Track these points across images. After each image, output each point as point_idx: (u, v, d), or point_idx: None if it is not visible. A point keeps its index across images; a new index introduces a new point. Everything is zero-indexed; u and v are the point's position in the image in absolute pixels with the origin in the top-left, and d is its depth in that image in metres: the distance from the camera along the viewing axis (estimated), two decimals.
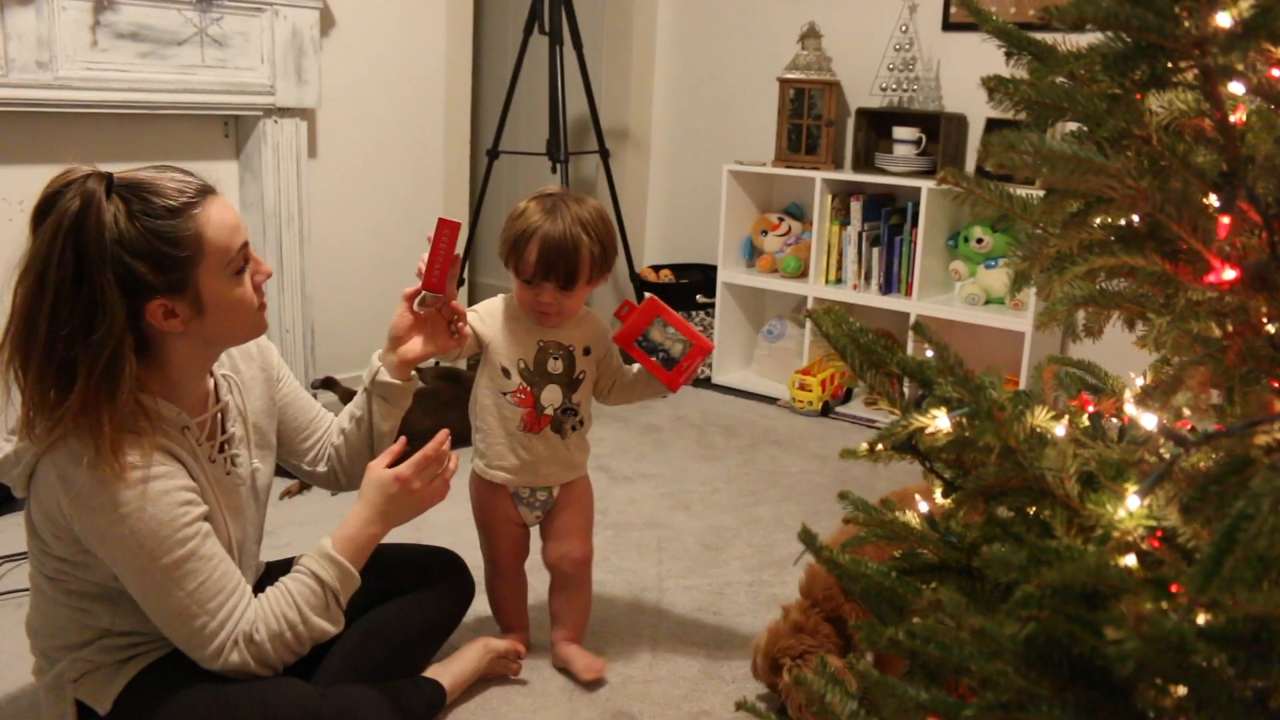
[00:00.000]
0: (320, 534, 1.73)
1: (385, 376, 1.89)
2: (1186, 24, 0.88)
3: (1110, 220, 1.07)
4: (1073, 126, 1.06)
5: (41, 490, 1.51)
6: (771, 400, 4.07)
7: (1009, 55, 1.14)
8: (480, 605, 2.31)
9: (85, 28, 2.84)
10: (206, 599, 1.54)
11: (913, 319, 3.75)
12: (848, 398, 4.06)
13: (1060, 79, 1.02)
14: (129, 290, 1.45)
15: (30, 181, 2.93)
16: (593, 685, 2.09)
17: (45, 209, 1.46)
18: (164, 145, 3.20)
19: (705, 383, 4.28)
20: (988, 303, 3.74)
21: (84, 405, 1.44)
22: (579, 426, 2.09)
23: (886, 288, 3.88)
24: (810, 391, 3.89)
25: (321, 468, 1.95)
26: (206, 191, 1.53)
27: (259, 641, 1.57)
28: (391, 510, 1.75)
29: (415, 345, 1.91)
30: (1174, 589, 0.81)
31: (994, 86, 1.03)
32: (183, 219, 1.48)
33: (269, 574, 1.91)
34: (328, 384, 3.39)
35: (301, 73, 3.34)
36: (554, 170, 3.79)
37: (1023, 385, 3.47)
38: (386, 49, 3.75)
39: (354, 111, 3.69)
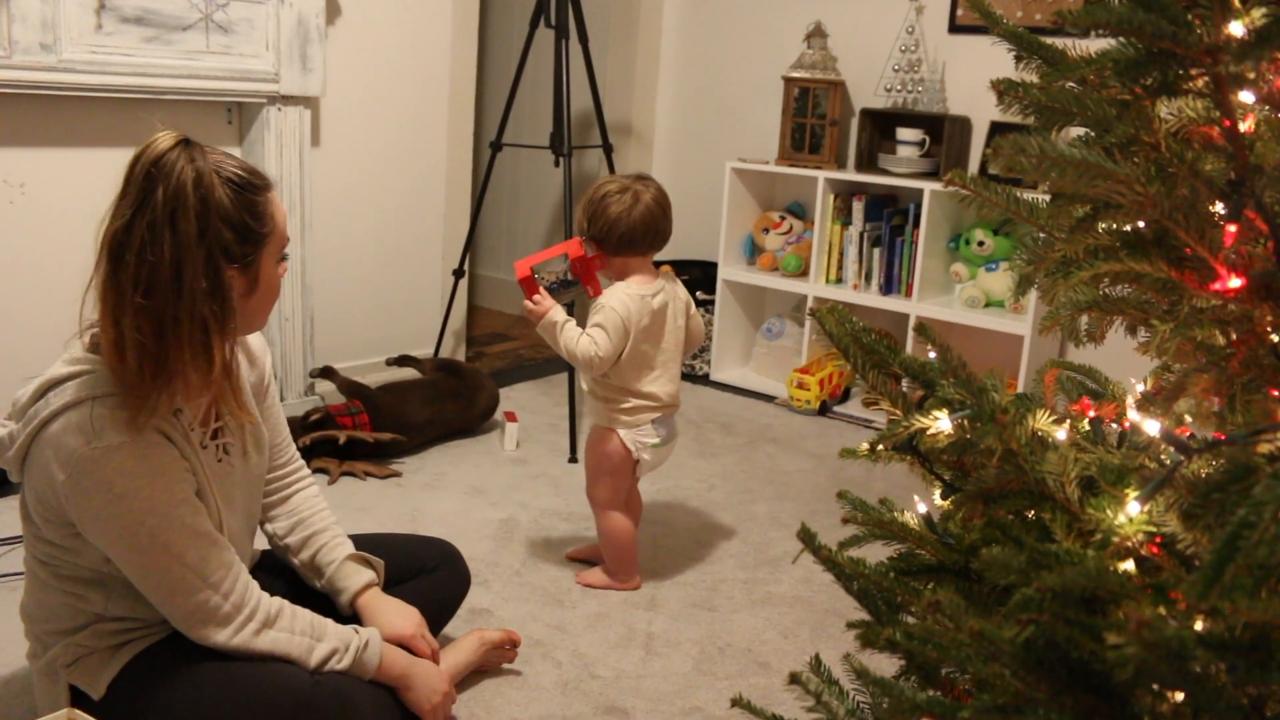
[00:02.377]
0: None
1: (343, 600, 1.86)
2: (1199, 31, 0.88)
3: (1116, 226, 1.07)
4: (1079, 131, 1.06)
5: (35, 472, 1.51)
6: (769, 399, 4.07)
7: (1019, 59, 1.15)
8: (475, 597, 2.31)
9: (90, 11, 2.83)
10: (208, 572, 1.55)
11: (912, 320, 3.75)
12: (845, 397, 4.06)
13: (1070, 84, 1.02)
14: (216, 258, 1.50)
15: (32, 164, 2.94)
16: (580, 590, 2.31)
17: (149, 170, 1.47)
18: (155, 131, 3.19)
19: (703, 379, 4.28)
20: (988, 305, 3.74)
21: (172, 361, 1.47)
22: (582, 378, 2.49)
23: (887, 288, 3.88)
24: (808, 390, 3.90)
25: (268, 526, 1.91)
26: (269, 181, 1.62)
27: (265, 635, 1.60)
28: (417, 678, 1.79)
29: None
30: (1174, 595, 0.81)
31: (1004, 90, 1.03)
32: (264, 197, 1.57)
33: (260, 563, 1.91)
34: (326, 373, 3.40)
35: (306, 61, 3.33)
36: (556, 164, 3.78)
37: (1022, 388, 3.47)
38: (392, 39, 3.74)
39: (358, 101, 3.68)
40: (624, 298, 2.34)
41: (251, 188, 1.55)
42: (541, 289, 2.34)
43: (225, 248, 1.51)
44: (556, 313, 2.34)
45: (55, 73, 2.80)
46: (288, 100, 3.35)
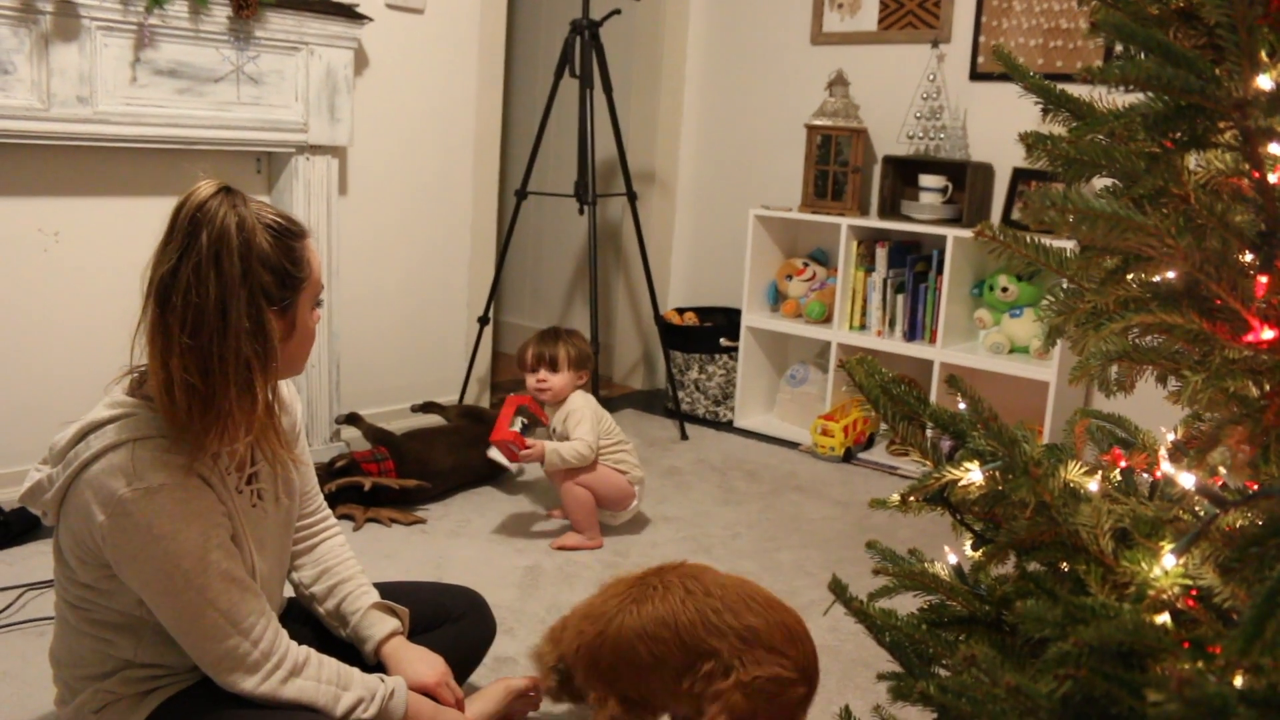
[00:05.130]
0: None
1: (368, 649, 1.85)
2: (1227, 86, 0.88)
3: (1146, 277, 1.07)
4: (1105, 182, 1.07)
5: (74, 514, 1.52)
6: (793, 445, 4.06)
7: (1045, 111, 1.16)
8: (501, 645, 2.30)
9: (126, 64, 2.89)
10: (239, 618, 1.55)
11: (937, 366, 3.75)
12: (870, 444, 4.05)
13: (1098, 136, 1.03)
14: (257, 300, 1.53)
15: (66, 213, 2.99)
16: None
17: (194, 215, 1.50)
18: (198, 180, 3.24)
19: (727, 426, 4.28)
20: (1012, 351, 3.73)
21: (219, 400, 1.50)
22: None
23: (910, 335, 3.87)
24: (833, 437, 3.88)
25: (294, 574, 1.91)
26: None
27: (292, 684, 1.59)
28: None
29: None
30: (1213, 650, 0.81)
31: (1032, 143, 1.04)
32: (301, 243, 1.60)
33: (288, 612, 1.92)
34: (352, 420, 3.41)
35: (334, 111, 3.38)
36: (581, 212, 3.81)
37: (1048, 436, 3.45)
38: (418, 89, 3.80)
39: (385, 150, 3.73)
40: (584, 400, 3.05)
41: (290, 234, 1.59)
42: (525, 439, 2.87)
43: (266, 291, 1.54)
44: (547, 449, 2.90)
45: (91, 124, 2.86)
46: (316, 150, 3.40)
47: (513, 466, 3.00)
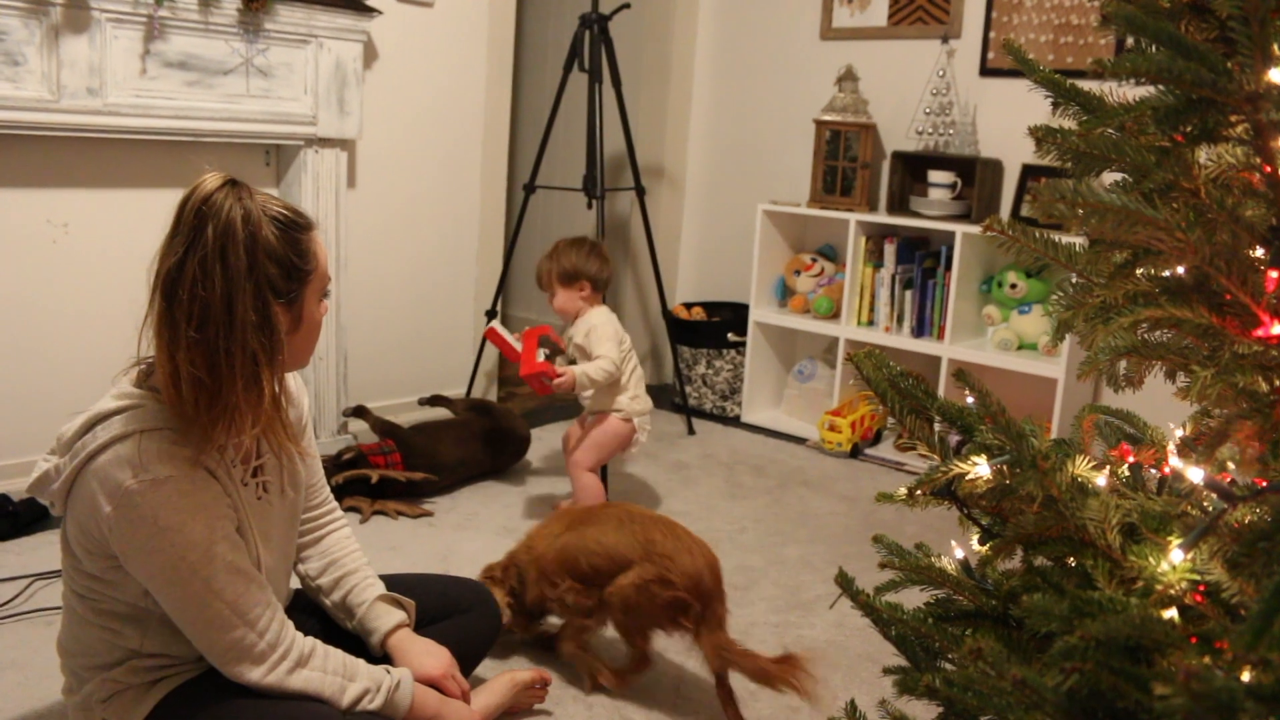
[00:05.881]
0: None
1: (374, 640, 1.86)
2: (1239, 79, 0.88)
3: (1156, 272, 1.07)
4: (1115, 177, 1.06)
5: (80, 504, 1.52)
6: (800, 441, 4.06)
7: (1055, 105, 1.15)
8: (506, 638, 2.30)
9: (135, 56, 2.90)
10: (245, 609, 1.55)
11: (945, 362, 3.74)
12: (877, 439, 4.04)
13: (1108, 130, 1.03)
14: (264, 293, 1.53)
15: (75, 204, 3.00)
16: None
17: (200, 209, 1.51)
18: (203, 173, 3.25)
19: (734, 421, 4.27)
20: (1020, 348, 3.73)
21: (226, 394, 1.50)
22: None
23: (919, 331, 3.87)
24: (840, 433, 3.88)
25: (300, 566, 1.92)
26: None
27: (298, 675, 1.60)
28: (448, 718, 1.80)
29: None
30: (1220, 645, 0.80)
31: (1041, 137, 1.03)
32: (307, 236, 1.60)
33: (294, 603, 1.92)
34: (359, 412, 3.41)
35: (343, 104, 3.38)
36: (589, 206, 3.81)
37: (1056, 432, 3.45)
38: (427, 82, 3.80)
39: (394, 143, 3.73)
40: (605, 316, 3.01)
41: (296, 226, 1.59)
42: (550, 365, 2.88)
43: (272, 284, 1.54)
44: (576, 373, 2.88)
45: (101, 116, 2.86)
46: (325, 143, 3.40)
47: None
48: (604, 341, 2.94)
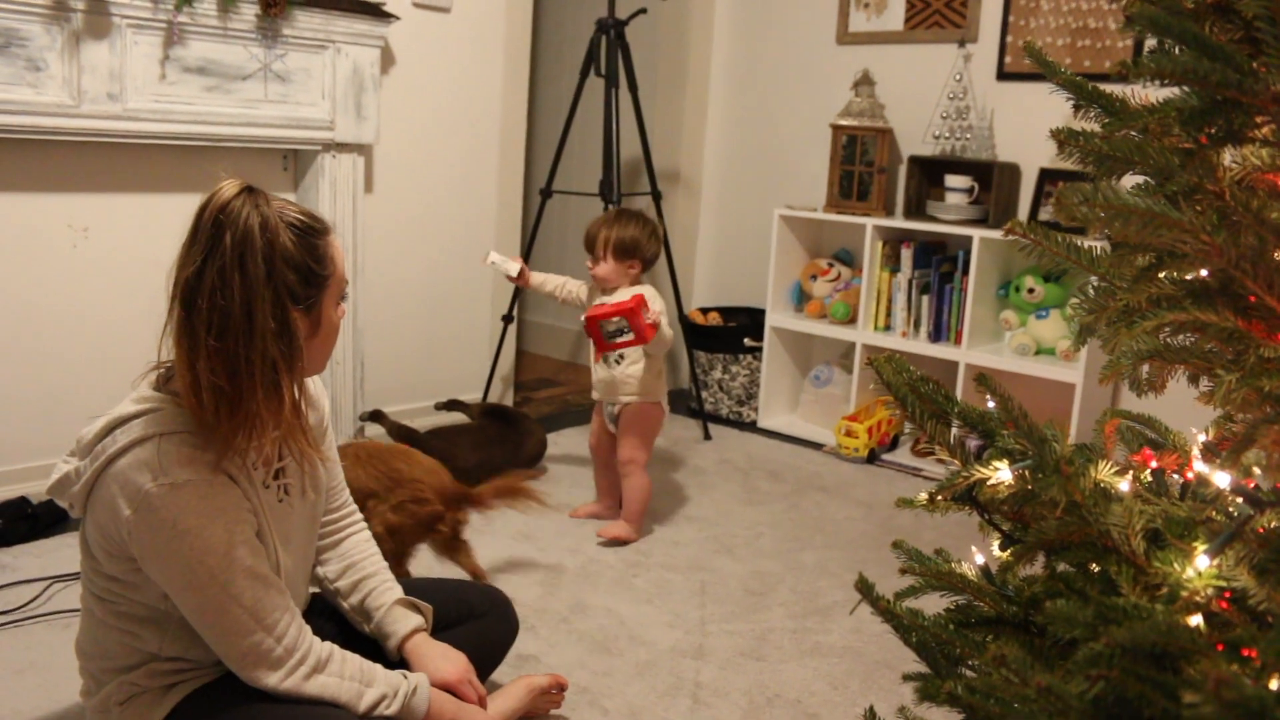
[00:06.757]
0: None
1: (391, 644, 1.86)
2: (1265, 79, 0.87)
3: (1179, 275, 1.06)
4: (1136, 180, 1.05)
5: (100, 507, 1.53)
6: (817, 446, 4.05)
7: (1077, 108, 1.14)
8: (523, 643, 2.30)
9: (155, 61, 2.91)
10: (263, 614, 1.55)
11: (962, 368, 3.72)
12: (894, 445, 4.02)
13: (1131, 132, 1.02)
14: (282, 300, 1.53)
15: (95, 209, 3.01)
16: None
17: (217, 217, 1.51)
18: (220, 179, 3.27)
19: (751, 426, 4.26)
20: (1038, 353, 3.71)
21: (246, 401, 1.50)
22: (621, 360, 2.98)
23: (935, 336, 3.85)
24: (857, 438, 3.87)
25: (319, 569, 1.92)
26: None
27: (315, 680, 1.60)
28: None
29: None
30: (1248, 653, 0.79)
31: (1064, 139, 1.03)
32: (324, 241, 1.61)
33: (311, 607, 1.92)
34: (376, 416, 3.42)
35: (361, 109, 3.39)
36: (605, 210, 3.81)
37: (1075, 437, 3.43)
38: (444, 87, 3.81)
39: (411, 148, 3.74)
40: (653, 292, 2.95)
41: (313, 232, 1.59)
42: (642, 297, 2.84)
43: (290, 290, 1.54)
44: (663, 321, 2.88)
45: (121, 121, 2.88)
46: (342, 147, 3.41)
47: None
48: (658, 299, 2.89)
